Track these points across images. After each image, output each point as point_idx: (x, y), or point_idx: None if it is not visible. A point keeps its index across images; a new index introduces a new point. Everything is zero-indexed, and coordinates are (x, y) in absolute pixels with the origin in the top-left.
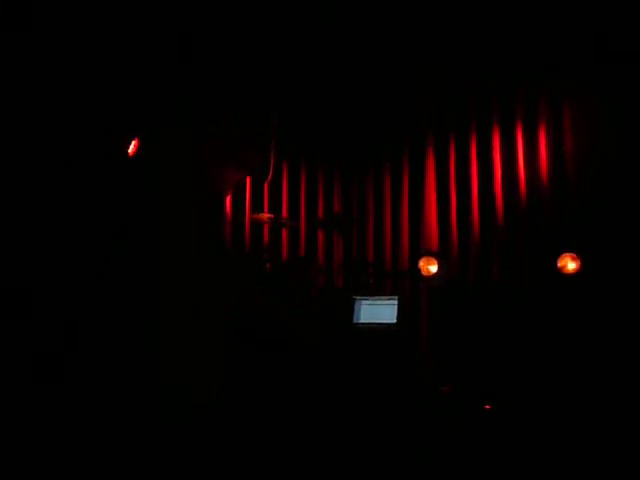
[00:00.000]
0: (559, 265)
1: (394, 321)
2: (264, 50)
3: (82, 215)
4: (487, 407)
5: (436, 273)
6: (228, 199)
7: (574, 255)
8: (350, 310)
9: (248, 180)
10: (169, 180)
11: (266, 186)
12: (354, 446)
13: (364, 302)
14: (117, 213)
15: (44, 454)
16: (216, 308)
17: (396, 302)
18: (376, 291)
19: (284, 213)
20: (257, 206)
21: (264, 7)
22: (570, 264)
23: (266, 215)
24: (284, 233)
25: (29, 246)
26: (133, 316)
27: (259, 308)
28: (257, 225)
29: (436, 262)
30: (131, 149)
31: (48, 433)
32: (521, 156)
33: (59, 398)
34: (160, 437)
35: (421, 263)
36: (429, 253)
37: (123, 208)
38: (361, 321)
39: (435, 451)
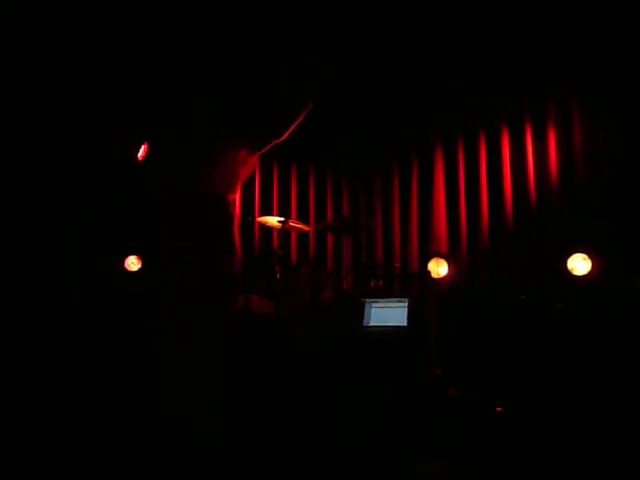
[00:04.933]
0: (569, 266)
1: (404, 324)
2: (269, 52)
3: (84, 217)
4: (498, 409)
5: (446, 275)
6: (238, 202)
7: (585, 256)
8: (360, 313)
9: (257, 183)
10: (170, 179)
11: (275, 190)
12: (362, 450)
13: (374, 305)
14: (120, 217)
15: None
16: (217, 329)
17: (406, 305)
18: (386, 293)
19: (293, 216)
20: (266, 209)
21: (271, 11)
22: (581, 265)
23: (275, 219)
24: (293, 236)
25: (31, 249)
26: (134, 336)
27: (266, 314)
28: (266, 229)
29: (446, 264)
30: (140, 153)
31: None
32: (530, 157)
33: (58, 422)
34: (161, 463)
35: (431, 265)
36: (439, 255)
37: (126, 211)
38: (371, 324)
39: (445, 454)
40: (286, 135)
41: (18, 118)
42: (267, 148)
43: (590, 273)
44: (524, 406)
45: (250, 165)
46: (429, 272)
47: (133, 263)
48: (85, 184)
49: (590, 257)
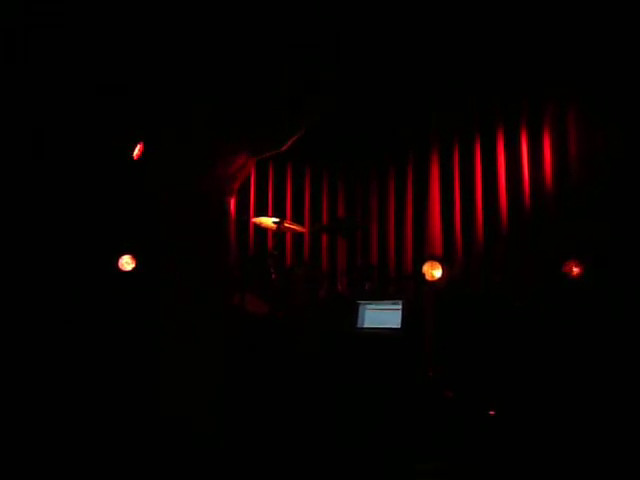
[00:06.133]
0: (564, 270)
1: (398, 326)
2: (269, 52)
3: (84, 217)
4: (491, 413)
5: (440, 278)
6: (232, 203)
7: (579, 259)
8: (354, 315)
9: (252, 183)
10: (170, 179)
11: (270, 190)
12: (358, 453)
13: (368, 307)
14: (119, 217)
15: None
16: (217, 328)
17: (400, 307)
18: (380, 296)
19: (288, 217)
20: (261, 210)
21: (271, 11)
22: (574, 269)
23: (270, 219)
24: (288, 237)
25: (30, 249)
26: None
27: (260, 314)
28: (261, 229)
29: (440, 267)
30: (136, 152)
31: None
32: (525, 160)
33: (58, 422)
34: (161, 463)
35: (425, 268)
36: (433, 257)
37: (124, 212)
38: (365, 326)
39: (439, 457)
40: (287, 146)
41: (18, 118)
42: (267, 155)
43: (583, 276)
44: (519, 409)
45: (247, 168)
46: (423, 274)
47: (127, 263)
48: (84, 184)
49: (581, 261)
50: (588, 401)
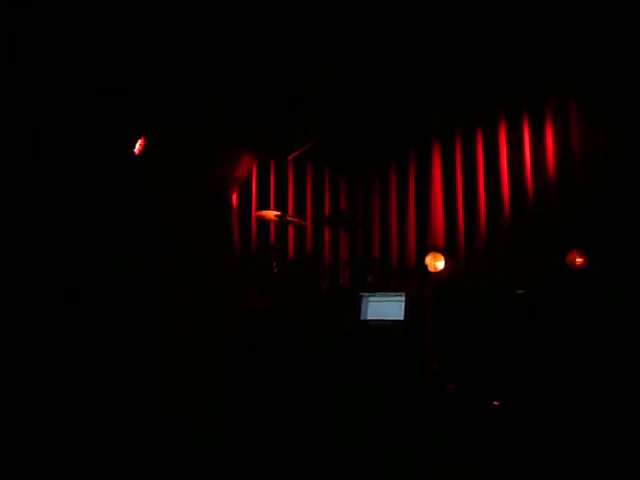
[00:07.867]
0: (567, 261)
1: (401, 318)
2: (269, 51)
3: (84, 216)
4: (495, 404)
5: (443, 269)
6: (234, 196)
7: (581, 251)
8: (357, 307)
9: (254, 177)
10: (170, 179)
11: (272, 184)
12: (360, 445)
13: (371, 299)
14: (118, 214)
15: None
16: (217, 328)
17: (403, 299)
18: (383, 288)
19: (290, 211)
20: (263, 204)
21: (271, 11)
22: (577, 260)
23: (272, 213)
24: (290, 231)
25: (29, 248)
26: (133, 337)
27: (263, 310)
28: (263, 223)
29: (443, 258)
30: (137, 148)
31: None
32: (527, 152)
33: (57, 422)
34: (161, 463)
35: (428, 259)
36: (436, 249)
37: (124, 208)
38: (368, 318)
39: (439, 457)
40: (292, 156)
41: (18, 118)
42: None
43: (585, 269)
44: (523, 400)
45: (248, 166)
46: (426, 266)
47: None
48: (84, 183)
49: (586, 253)
50: (590, 395)
